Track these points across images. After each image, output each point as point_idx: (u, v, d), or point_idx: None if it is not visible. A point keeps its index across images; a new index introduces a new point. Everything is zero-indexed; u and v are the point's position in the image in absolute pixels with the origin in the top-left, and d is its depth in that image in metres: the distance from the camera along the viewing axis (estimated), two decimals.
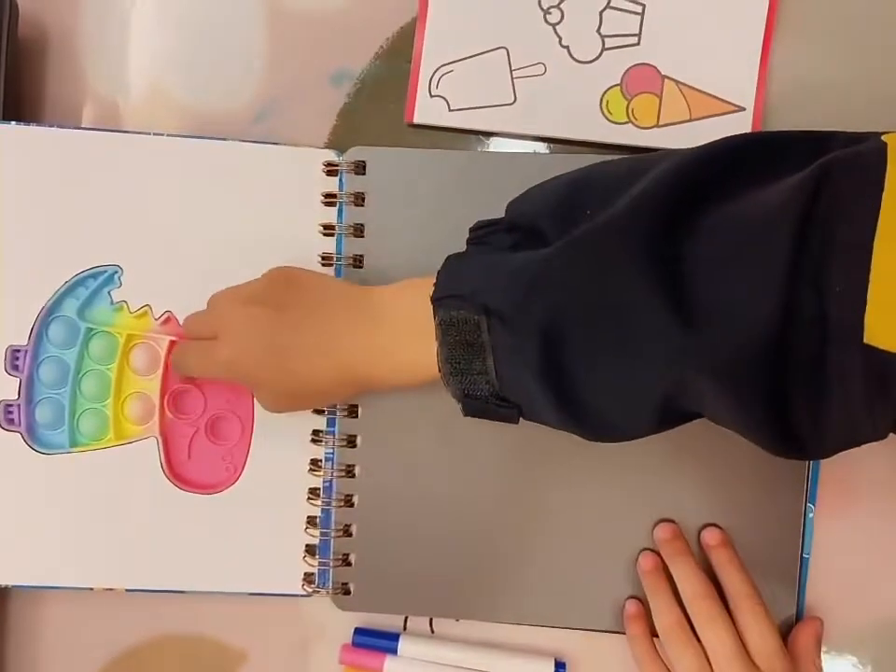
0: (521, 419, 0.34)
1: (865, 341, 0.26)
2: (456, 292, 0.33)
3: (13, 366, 0.42)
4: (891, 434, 0.29)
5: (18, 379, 0.42)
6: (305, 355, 0.36)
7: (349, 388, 0.38)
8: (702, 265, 0.29)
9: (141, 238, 0.42)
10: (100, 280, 0.42)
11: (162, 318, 0.42)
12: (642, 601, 0.41)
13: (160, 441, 0.42)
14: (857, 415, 0.28)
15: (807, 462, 0.41)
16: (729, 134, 0.32)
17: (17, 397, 0.42)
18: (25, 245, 0.42)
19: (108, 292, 0.42)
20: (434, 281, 0.35)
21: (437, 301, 0.34)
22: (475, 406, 0.34)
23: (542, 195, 0.35)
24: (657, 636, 0.40)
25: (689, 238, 0.29)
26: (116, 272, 0.42)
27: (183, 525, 0.42)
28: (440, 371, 0.34)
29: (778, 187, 0.28)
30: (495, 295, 0.32)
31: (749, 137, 0.32)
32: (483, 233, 0.36)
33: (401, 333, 0.36)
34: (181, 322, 0.42)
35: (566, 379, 0.31)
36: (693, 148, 0.31)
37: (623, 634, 0.42)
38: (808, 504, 0.41)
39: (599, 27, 0.42)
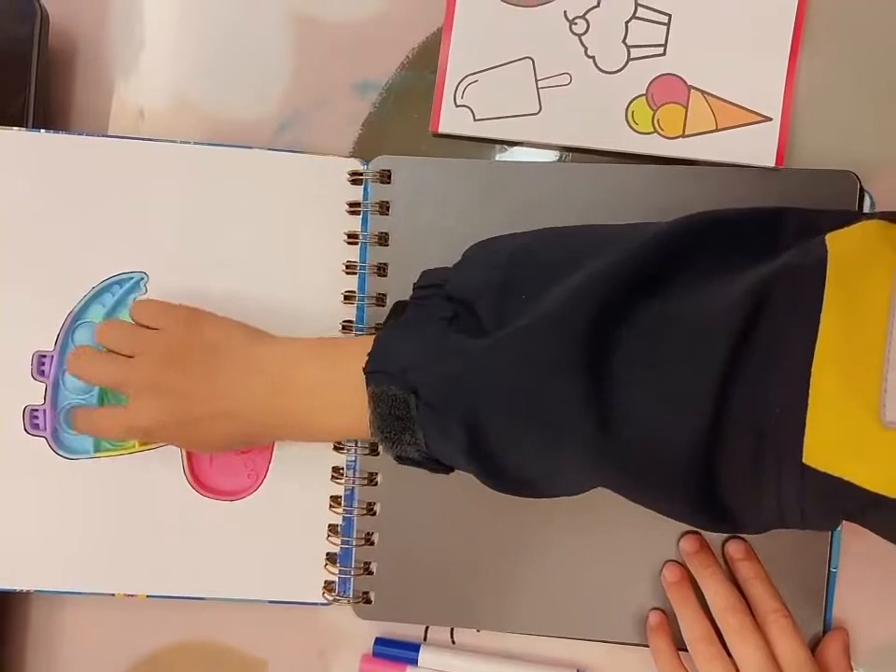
0: None
1: (804, 461, 0.26)
2: (388, 370, 0.34)
3: (39, 371, 0.42)
4: None
5: (44, 384, 0.42)
6: (211, 421, 0.38)
7: (258, 442, 0.41)
8: (633, 371, 0.29)
9: (166, 245, 0.43)
10: (126, 287, 0.42)
11: None
12: (665, 613, 0.41)
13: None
14: (790, 518, 0.28)
15: None
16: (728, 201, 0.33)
17: (43, 402, 0.42)
18: (52, 252, 0.42)
19: (134, 299, 0.42)
20: (340, 344, 0.37)
21: (369, 374, 0.34)
22: (409, 463, 0.36)
23: (482, 269, 0.35)
24: (681, 647, 0.40)
25: (623, 337, 0.29)
26: (142, 278, 0.42)
27: (204, 531, 0.42)
28: (372, 435, 0.35)
29: (720, 298, 0.28)
30: (423, 379, 0.33)
31: (697, 222, 0.32)
32: (423, 294, 0.37)
33: (307, 399, 0.37)
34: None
35: (492, 460, 0.33)
36: (640, 234, 0.32)
37: (646, 646, 0.41)
38: None
39: (625, 37, 0.42)
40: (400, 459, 0.36)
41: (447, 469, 0.36)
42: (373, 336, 0.36)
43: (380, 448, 0.42)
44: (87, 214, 0.42)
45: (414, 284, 0.38)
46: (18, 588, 0.42)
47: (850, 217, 0.29)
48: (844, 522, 0.40)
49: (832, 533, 0.40)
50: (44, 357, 0.42)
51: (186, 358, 0.38)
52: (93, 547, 0.42)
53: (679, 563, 0.41)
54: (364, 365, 0.35)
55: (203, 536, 0.42)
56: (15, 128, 0.42)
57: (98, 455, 0.42)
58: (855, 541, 0.41)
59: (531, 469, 0.33)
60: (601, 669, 0.43)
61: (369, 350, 0.35)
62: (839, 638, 0.40)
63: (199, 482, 0.42)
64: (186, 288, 0.42)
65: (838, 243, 0.28)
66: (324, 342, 0.39)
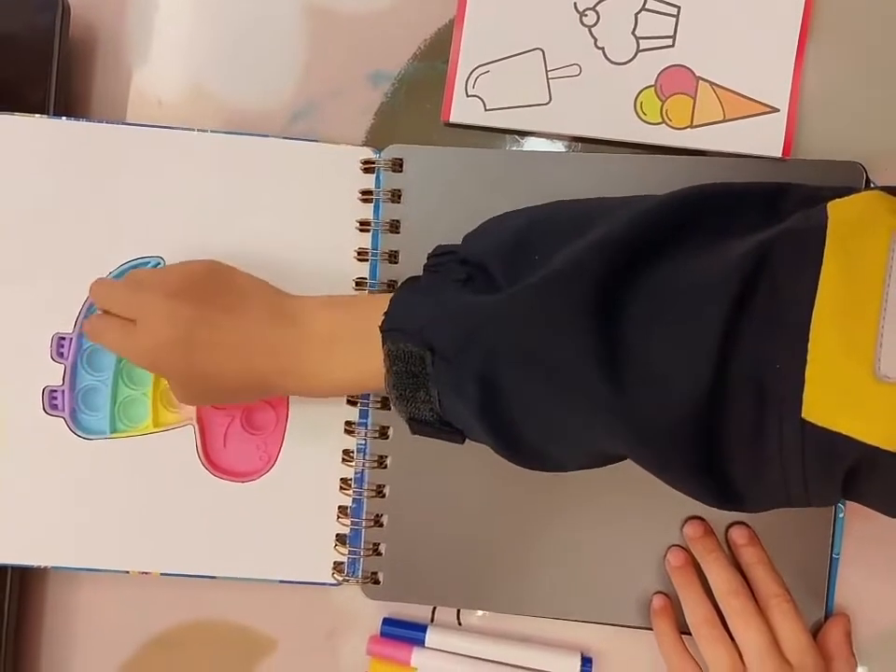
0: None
1: (803, 416, 0.27)
2: (405, 327, 0.34)
3: (58, 353, 0.43)
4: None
5: (63, 365, 0.43)
6: (217, 355, 0.37)
7: (258, 391, 0.39)
8: (639, 330, 0.30)
9: (182, 231, 0.44)
10: None
11: None
12: (669, 596, 0.41)
13: (196, 429, 0.43)
14: (792, 482, 0.29)
15: None
16: (709, 182, 0.33)
17: (61, 383, 0.43)
18: (72, 236, 0.43)
19: None
20: (355, 300, 0.37)
21: (386, 332, 0.35)
22: (421, 428, 0.36)
23: (496, 234, 0.36)
24: (684, 631, 0.40)
25: (629, 300, 0.30)
26: (158, 263, 0.43)
27: (217, 511, 0.43)
28: (387, 395, 0.36)
29: (721, 259, 0.29)
30: (439, 335, 0.33)
31: (704, 192, 0.32)
32: (438, 262, 0.37)
33: (318, 348, 0.37)
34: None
35: (503, 418, 0.33)
36: (648, 201, 0.32)
37: (650, 630, 0.42)
38: (839, 504, 0.41)
39: (634, 29, 0.43)
40: (414, 423, 0.36)
41: (460, 436, 0.36)
42: (390, 294, 0.36)
43: (390, 432, 0.43)
44: (105, 199, 0.43)
45: (429, 254, 0.38)
46: (35, 564, 0.43)
47: (852, 192, 0.30)
48: (845, 507, 0.41)
49: (834, 518, 0.41)
50: (63, 339, 0.43)
51: (202, 293, 0.37)
52: (109, 525, 0.43)
53: (682, 548, 0.42)
54: (381, 323, 0.35)
55: (215, 516, 0.43)
56: (37, 115, 0.43)
57: (114, 435, 0.43)
58: (858, 528, 0.42)
59: (543, 433, 0.33)
60: (605, 652, 0.43)
61: (385, 308, 0.36)
62: (841, 624, 0.41)
63: (212, 463, 0.43)
64: None
65: (839, 208, 0.28)
66: (342, 297, 0.40)
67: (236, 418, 0.44)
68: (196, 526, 0.43)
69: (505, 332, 0.32)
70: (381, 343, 0.35)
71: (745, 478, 0.30)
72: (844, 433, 0.26)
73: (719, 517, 0.42)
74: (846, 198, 0.29)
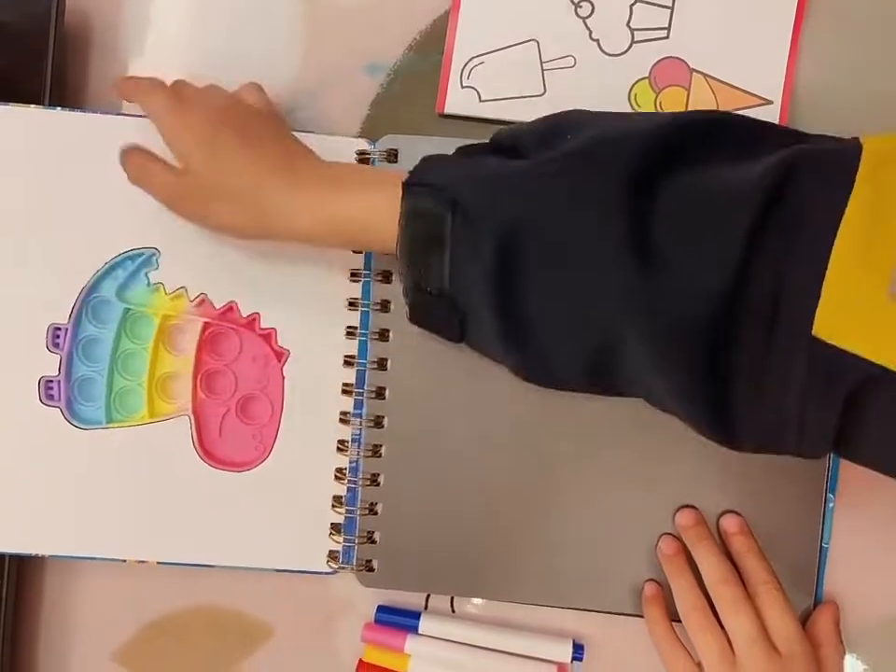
0: (463, 342, 0.36)
1: (813, 332, 0.27)
2: (429, 181, 0.34)
3: (54, 343, 0.43)
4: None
5: (58, 356, 0.43)
6: (240, 152, 0.37)
7: (255, 214, 0.37)
8: (669, 222, 0.30)
9: (178, 222, 0.43)
10: (138, 262, 0.44)
11: (197, 300, 0.44)
12: (660, 584, 0.42)
13: (192, 419, 0.43)
14: (791, 407, 0.29)
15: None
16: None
17: (57, 373, 0.43)
18: (67, 228, 0.43)
19: (146, 274, 0.44)
20: (387, 175, 0.36)
21: (409, 185, 0.34)
22: (421, 302, 0.35)
23: (525, 124, 0.37)
24: (675, 619, 0.41)
25: (661, 192, 0.30)
26: (153, 254, 0.44)
27: (213, 501, 0.43)
28: (397, 258, 0.35)
29: (751, 166, 0.29)
30: (464, 192, 0.33)
31: (733, 113, 0.33)
32: (468, 146, 0.37)
33: (329, 183, 0.37)
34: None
35: (514, 291, 0.32)
36: (682, 112, 0.33)
37: (641, 617, 0.42)
38: (829, 494, 0.41)
39: (629, 20, 0.43)
40: (417, 293, 0.35)
41: (457, 322, 0.35)
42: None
43: (385, 422, 0.43)
44: (101, 190, 0.43)
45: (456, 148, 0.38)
46: (33, 552, 0.43)
47: None
48: (835, 498, 0.41)
49: (824, 508, 0.41)
50: (59, 329, 0.43)
51: (251, 110, 0.39)
52: (106, 514, 0.43)
53: (675, 536, 0.42)
54: (406, 178, 0.34)
55: (212, 505, 0.43)
56: (32, 105, 0.43)
57: (110, 425, 0.43)
58: (847, 517, 0.42)
59: (551, 316, 0.32)
60: (597, 639, 0.44)
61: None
62: (829, 612, 0.41)
63: (208, 452, 0.44)
64: (196, 264, 0.43)
65: (874, 141, 0.28)
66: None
67: (231, 408, 0.44)
68: (192, 516, 0.43)
69: (534, 193, 0.31)
70: (399, 200, 0.34)
71: (743, 398, 0.29)
72: (851, 351, 0.26)
73: (711, 507, 0.42)
74: (881, 134, 0.29)
